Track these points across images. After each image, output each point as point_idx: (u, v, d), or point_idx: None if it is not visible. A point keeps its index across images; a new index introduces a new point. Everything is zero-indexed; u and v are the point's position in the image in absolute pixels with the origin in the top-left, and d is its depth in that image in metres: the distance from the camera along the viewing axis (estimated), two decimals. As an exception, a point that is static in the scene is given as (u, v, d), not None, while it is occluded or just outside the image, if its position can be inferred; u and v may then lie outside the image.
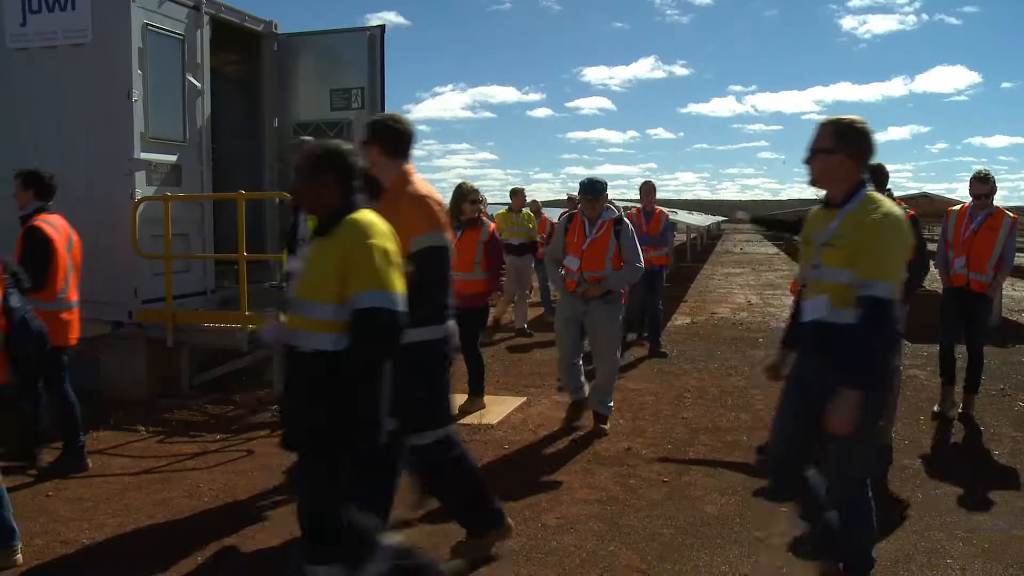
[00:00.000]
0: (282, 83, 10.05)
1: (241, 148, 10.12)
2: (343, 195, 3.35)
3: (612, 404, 7.19)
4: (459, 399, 7.66)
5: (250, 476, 5.91)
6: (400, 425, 3.51)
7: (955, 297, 7.45)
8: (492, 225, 7.91)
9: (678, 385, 8.90)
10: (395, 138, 4.21)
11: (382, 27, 9.83)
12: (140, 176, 7.85)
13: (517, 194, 12.72)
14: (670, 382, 9.04)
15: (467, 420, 7.28)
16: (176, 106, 8.37)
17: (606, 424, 7.04)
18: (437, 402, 4.23)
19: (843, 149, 3.52)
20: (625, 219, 6.98)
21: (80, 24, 7.87)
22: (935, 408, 7.55)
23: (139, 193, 7.84)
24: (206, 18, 8.71)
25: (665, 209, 11.25)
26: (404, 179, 4.19)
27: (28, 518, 5.00)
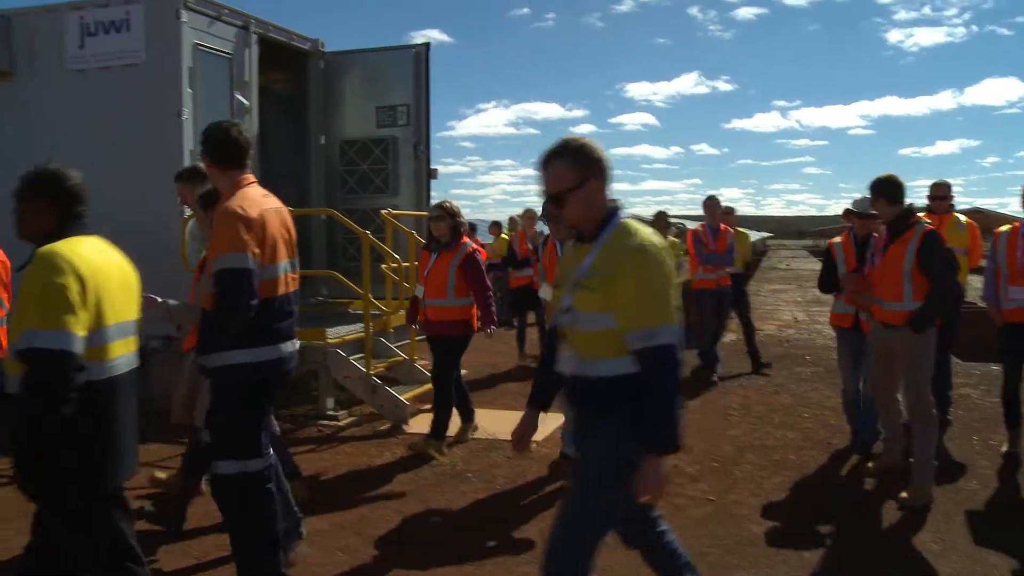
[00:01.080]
0: (328, 100, 10.22)
1: (288, 165, 10.25)
2: (58, 221, 3.21)
3: None
4: (497, 419, 7.70)
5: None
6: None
7: (1013, 335, 6.48)
8: (472, 246, 7.00)
9: (724, 403, 8.81)
10: (221, 147, 3.98)
11: (427, 45, 9.94)
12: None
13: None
14: (716, 399, 8.96)
15: (510, 436, 7.26)
16: (224, 124, 8.50)
17: None
18: (242, 430, 3.87)
19: (577, 175, 2.99)
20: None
21: (134, 45, 8.05)
22: (1004, 448, 6.81)
23: (188, 210, 7.95)
24: (254, 37, 8.86)
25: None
26: (229, 192, 3.95)
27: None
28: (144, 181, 8.07)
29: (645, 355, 2.88)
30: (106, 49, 8.15)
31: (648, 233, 2.98)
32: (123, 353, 3.26)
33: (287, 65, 10.18)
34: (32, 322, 2.90)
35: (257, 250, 3.79)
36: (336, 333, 7.88)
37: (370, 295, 7.90)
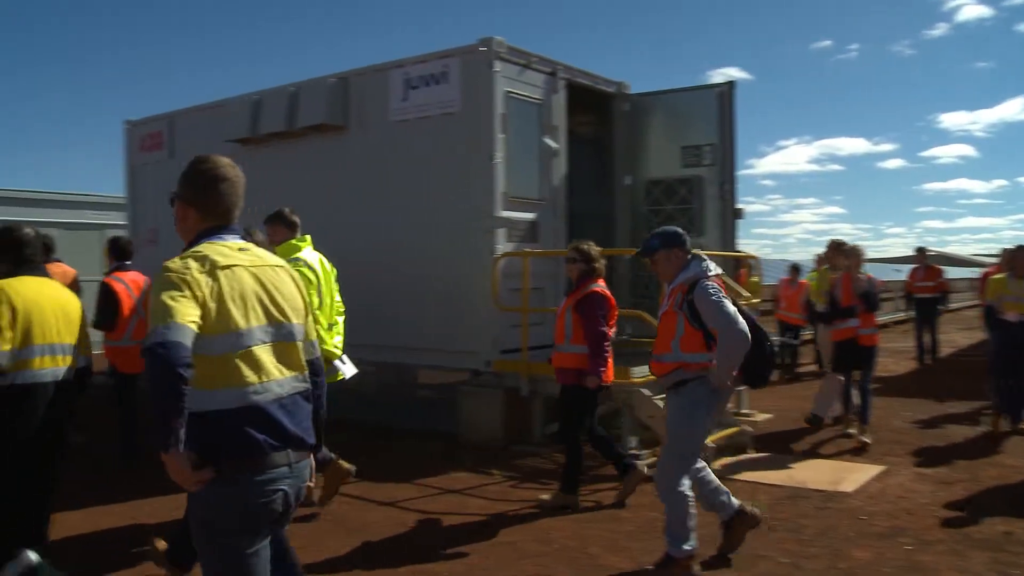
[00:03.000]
0: (633, 141, 10.28)
1: (594, 205, 10.40)
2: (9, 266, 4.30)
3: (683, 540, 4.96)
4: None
5: (599, 526, 5.92)
6: None
7: None
8: (594, 288, 6.32)
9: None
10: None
11: (731, 84, 9.76)
12: (501, 233, 8.31)
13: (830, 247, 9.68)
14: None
15: (820, 486, 6.82)
16: (533, 167, 8.82)
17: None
18: None
19: (180, 195, 3.01)
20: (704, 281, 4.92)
21: (451, 96, 8.58)
22: None
23: (499, 249, 8.30)
24: (562, 83, 9.15)
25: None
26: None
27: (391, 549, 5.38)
28: (460, 220, 8.53)
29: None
30: (425, 100, 8.76)
31: (182, 260, 2.84)
32: (49, 367, 4.27)
33: (592, 108, 10.38)
34: None
35: None
36: (641, 372, 7.80)
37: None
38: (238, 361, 2.76)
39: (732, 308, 4.74)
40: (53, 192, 17.69)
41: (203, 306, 2.72)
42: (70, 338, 4.37)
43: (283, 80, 10.10)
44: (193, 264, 2.79)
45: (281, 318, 2.93)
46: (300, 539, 5.60)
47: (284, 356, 2.91)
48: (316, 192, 9.67)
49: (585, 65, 9.57)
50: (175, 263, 2.80)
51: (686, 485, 4.90)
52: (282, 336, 2.92)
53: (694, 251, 5.08)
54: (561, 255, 8.90)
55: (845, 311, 8.54)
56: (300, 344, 3.01)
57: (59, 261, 8.48)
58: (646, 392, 7.65)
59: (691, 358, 4.91)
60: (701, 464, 5.17)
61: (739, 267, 10.51)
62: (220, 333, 2.74)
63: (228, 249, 2.90)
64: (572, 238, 9.22)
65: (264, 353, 2.84)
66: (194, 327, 2.66)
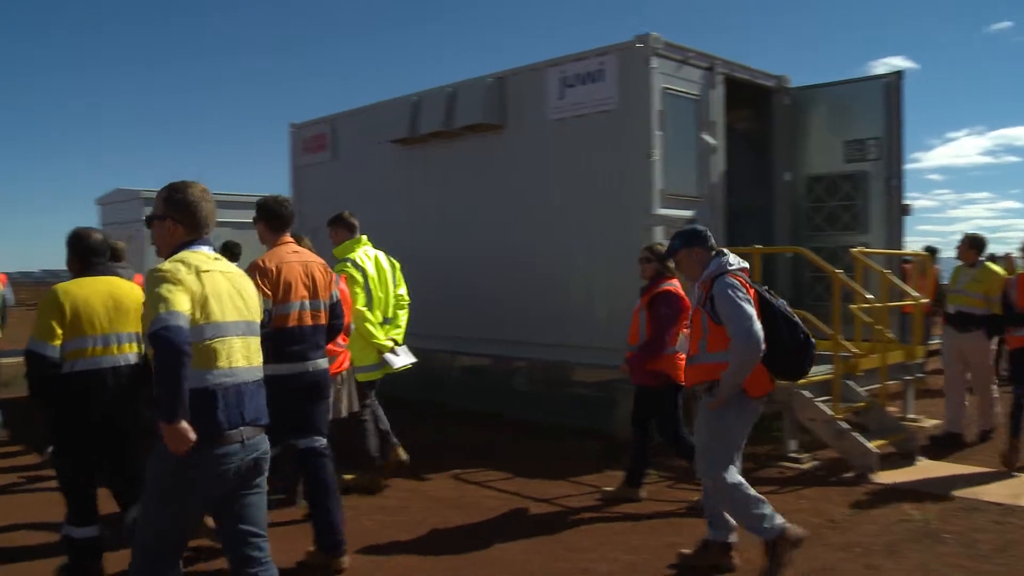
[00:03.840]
0: (793, 136, 10.00)
1: (753, 202, 10.18)
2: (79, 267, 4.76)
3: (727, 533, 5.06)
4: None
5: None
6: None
7: None
8: (667, 287, 6.21)
9: None
10: (271, 217, 5.25)
11: (899, 73, 9.38)
12: (658, 231, 8.23)
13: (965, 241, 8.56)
14: None
15: (998, 499, 6.44)
16: (691, 163, 8.69)
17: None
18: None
19: (165, 215, 3.51)
20: (724, 277, 4.79)
21: (607, 93, 8.55)
22: None
23: (659, 249, 8.22)
24: (719, 78, 8.98)
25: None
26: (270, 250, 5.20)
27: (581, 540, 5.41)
28: (617, 218, 8.49)
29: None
30: (582, 98, 8.76)
31: (165, 266, 3.39)
32: (102, 355, 4.59)
33: (751, 103, 10.14)
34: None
35: (268, 292, 4.89)
36: (799, 374, 7.58)
37: (839, 336, 7.50)
38: (216, 348, 3.31)
39: (749, 308, 4.60)
40: (222, 193, 18.60)
41: (192, 301, 3.24)
42: (124, 327, 4.70)
43: (443, 81, 10.33)
44: (182, 267, 3.31)
45: (249, 316, 3.51)
46: (465, 528, 5.74)
47: (249, 348, 3.48)
48: (473, 190, 9.86)
49: (743, 59, 9.32)
50: (167, 265, 3.33)
51: (734, 475, 4.76)
52: (251, 331, 3.52)
53: (717, 248, 5.02)
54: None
55: (1021, 316, 7.48)
56: (258, 340, 3.57)
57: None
58: (807, 395, 7.43)
59: (717, 358, 4.75)
60: (741, 470, 4.99)
61: (904, 265, 10.02)
62: (203, 324, 3.28)
63: (205, 257, 3.45)
64: (731, 235, 9.09)
65: (237, 343, 3.40)
66: (188, 316, 3.18)
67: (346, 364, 6.26)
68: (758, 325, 4.56)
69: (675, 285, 6.28)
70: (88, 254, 4.83)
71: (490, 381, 10.01)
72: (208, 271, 3.38)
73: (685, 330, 5.84)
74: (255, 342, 3.53)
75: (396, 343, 6.88)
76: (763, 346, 4.54)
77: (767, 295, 4.86)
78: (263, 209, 5.27)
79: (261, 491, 3.52)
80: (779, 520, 4.64)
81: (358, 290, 6.60)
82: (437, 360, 10.45)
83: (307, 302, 5.10)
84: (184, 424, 3.07)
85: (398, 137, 10.52)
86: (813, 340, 4.79)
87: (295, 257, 5.17)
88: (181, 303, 3.16)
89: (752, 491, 4.74)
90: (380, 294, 6.79)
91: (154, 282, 3.22)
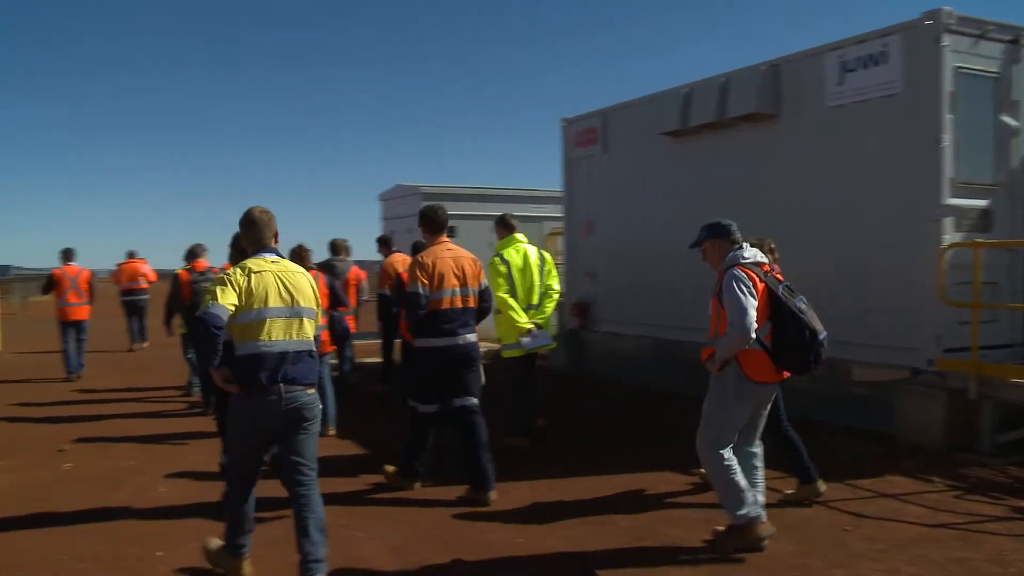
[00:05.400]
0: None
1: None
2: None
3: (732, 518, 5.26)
4: None
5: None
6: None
7: None
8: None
9: None
10: (428, 222, 6.65)
11: None
12: (947, 222, 7.68)
13: None
14: None
15: None
16: (987, 148, 8.01)
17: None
18: (421, 385, 6.62)
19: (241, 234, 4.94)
20: (733, 269, 5.19)
21: (891, 76, 8.07)
22: None
23: (946, 240, 7.67)
24: (1024, 52, 8.19)
25: None
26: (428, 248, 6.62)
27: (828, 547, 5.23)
28: (901, 209, 8.03)
29: None
30: (863, 83, 8.32)
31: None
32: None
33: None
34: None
35: (426, 282, 6.32)
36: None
37: None
38: (260, 326, 4.55)
39: (746, 300, 5.00)
40: (496, 188, 19.36)
41: (238, 294, 4.50)
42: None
43: (710, 72, 10.18)
44: (237, 271, 4.61)
45: (293, 303, 4.66)
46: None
47: (291, 327, 4.65)
48: (746, 182, 9.65)
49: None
50: (231, 269, 4.70)
51: (725, 455, 5.19)
52: (294, 315, 4.67)
53: (740, 242, 5.37)
54: (1020, 246, 8.04)
55: None
56: (307, 321, 4.73)
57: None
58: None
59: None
60: (760, 453, 5.60)
61: None
62: (246, 310, 4.53)
63: (263, 262, 4.70)
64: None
65: (278, 323, 4.60)
66: (231, 307, 4.45)
67: None
68: (750, 318, 4.97)
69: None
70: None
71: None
72: (260, 272, 4.63)
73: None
74: (298, 323, 4.68)
75: (538, 326, 7.94)
76: (751, 337, 5.01)
77: (780, 291, 5.19)
78: (423, 217, 6.67)
79: (308, 433, 4.70)
80: (755, 513, 5.14)
81: (500, 280, 7.83)
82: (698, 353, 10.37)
83: (457, 289, 6.42)
84: (219, 371, 4.60)
85: (669, 129, 10.50)
86: (821, 337, 5.11)
87: (448, 254, 6.50)
88: (225, 297, 4.44)
89: (740, 475, 5.20)
90: (525, 284, 7.95)
91: (215, 282, 4.56)
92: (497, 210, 18.45)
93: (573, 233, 13.10)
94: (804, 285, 8.64)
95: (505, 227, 8.21)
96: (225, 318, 4.39)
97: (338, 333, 8.37)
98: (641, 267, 11.35)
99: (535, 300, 8.00)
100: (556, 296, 8.19)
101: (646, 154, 11.26)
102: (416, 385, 6.65)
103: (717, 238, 5.41)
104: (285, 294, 4.63)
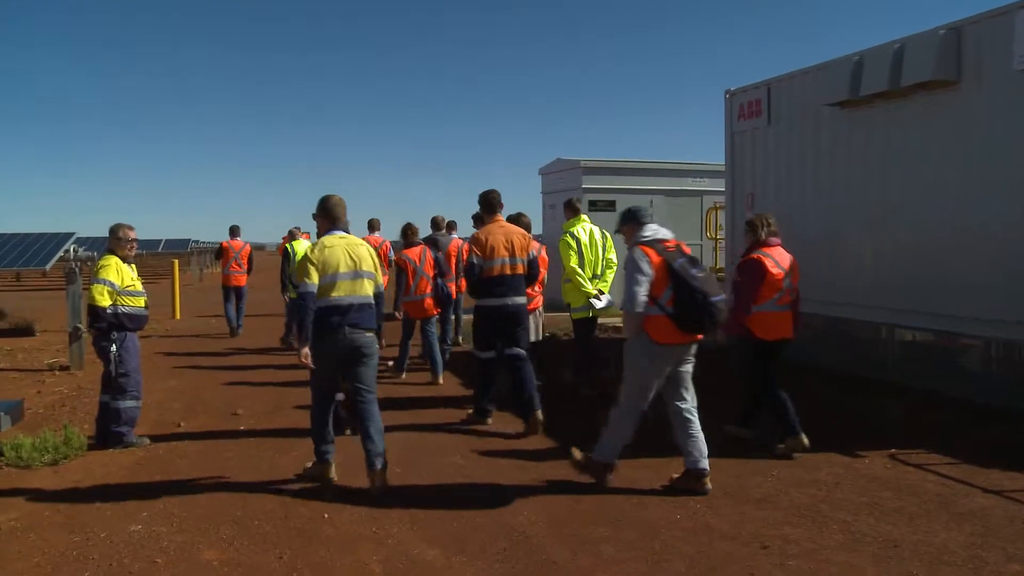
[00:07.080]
0: None
1: None
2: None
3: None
4: None
5: None
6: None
7: None
8: (752, 255, 7.17)
9: None
10: (485, 204, 8.15)
11: None
12: None
13: None
14: None
15: None
16: None
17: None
18: (480, 336, 8.08)
19: (317, 214, 6.61)
20: (632, 248, 6.08)
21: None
22: None
23: None
24: None
25: None
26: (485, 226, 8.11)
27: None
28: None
29: None
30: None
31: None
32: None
33: None
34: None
35: (479, 253, 7.73)
36: None
37: None
38: (330, 286, 6.04)
39: (638, 275, 5.76)
40: (657, 161, 19.18)
41: (317, 267, 6.00)
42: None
43: (878, 40, 9.66)
44: (315, 248, 6.11)
45: (355, 268, 6.14)
46: (904, 512, 5.45)
47: (354, 285, 6.14)
48: (922, 153, 9.19)
49: None
50: (310, 246, 6.22)
51: (634, 413, 6.03)
52: (358, 276, 6.16)
53: (645, 222, 6.12)
54: None
55: None
56: (367, 280, 6.21)
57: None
58: None
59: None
60: (691, 407, 6.11)
61: None
62: (324, 275, 6.02)
63: (335, 239, 6.21)
64: None
65: (345, 283, 6.09)
66: (315, 280, 5.98)
67: (538, 304, 9.65)
68: (638, 289, 5.76)
69: (765, 254, 7.07)
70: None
71: (930, 357, 9.33)
72: (331, 246, 6.13)
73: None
74: (360, 282, 6.15)
75: (601, 292, 9.19)
76: (639, 307, 5.77)
77: (676, 264, 5.80)
78: (481, 200, 8.15)
79: (366, 366, 6.17)
80: (609, 458, 6.16)
81: (572, 253, 9.18)
82: (870, 332, 9.99)
83: (507, 259, 7.78)
84: (307, 344, 5.98)
85: (837, 100, 10.11)
86: (713, 302, 5.71)
87: (500, 230, 7.90)
88: (311, 275, 5.97)
89: (631, 432, 6.08)
90: (590, 257, 9.27)
91: (301, 260, 6.05)
92: (657, 184, 18.43)
93: (736, 207, 12.81)
94: (985, 264, 8.24)
95: (571, 209, 9.62)
96: (314, 291, 5.99)
97: (441, 299, 10.57)
98: (805, 241, 11.00)
99: (599, 271, 9.37)
100: (615, 266, 9.34)
101: (813, 125, 10.87)
102: (476, 337, 8.09)
103: (631, 222, 6.20)
104: (350, 262, 6.15)
